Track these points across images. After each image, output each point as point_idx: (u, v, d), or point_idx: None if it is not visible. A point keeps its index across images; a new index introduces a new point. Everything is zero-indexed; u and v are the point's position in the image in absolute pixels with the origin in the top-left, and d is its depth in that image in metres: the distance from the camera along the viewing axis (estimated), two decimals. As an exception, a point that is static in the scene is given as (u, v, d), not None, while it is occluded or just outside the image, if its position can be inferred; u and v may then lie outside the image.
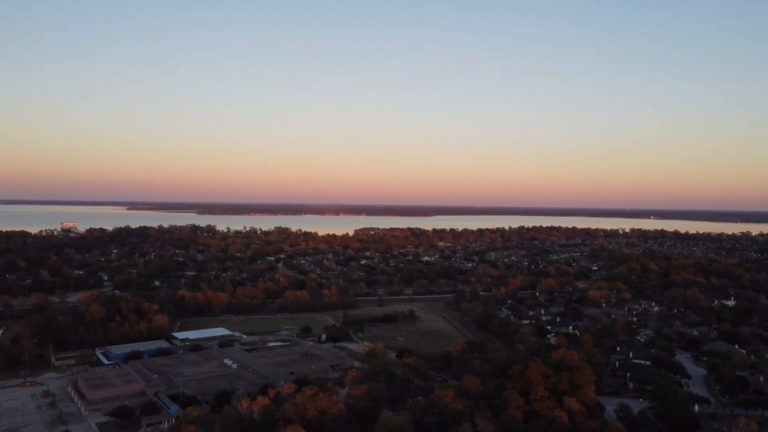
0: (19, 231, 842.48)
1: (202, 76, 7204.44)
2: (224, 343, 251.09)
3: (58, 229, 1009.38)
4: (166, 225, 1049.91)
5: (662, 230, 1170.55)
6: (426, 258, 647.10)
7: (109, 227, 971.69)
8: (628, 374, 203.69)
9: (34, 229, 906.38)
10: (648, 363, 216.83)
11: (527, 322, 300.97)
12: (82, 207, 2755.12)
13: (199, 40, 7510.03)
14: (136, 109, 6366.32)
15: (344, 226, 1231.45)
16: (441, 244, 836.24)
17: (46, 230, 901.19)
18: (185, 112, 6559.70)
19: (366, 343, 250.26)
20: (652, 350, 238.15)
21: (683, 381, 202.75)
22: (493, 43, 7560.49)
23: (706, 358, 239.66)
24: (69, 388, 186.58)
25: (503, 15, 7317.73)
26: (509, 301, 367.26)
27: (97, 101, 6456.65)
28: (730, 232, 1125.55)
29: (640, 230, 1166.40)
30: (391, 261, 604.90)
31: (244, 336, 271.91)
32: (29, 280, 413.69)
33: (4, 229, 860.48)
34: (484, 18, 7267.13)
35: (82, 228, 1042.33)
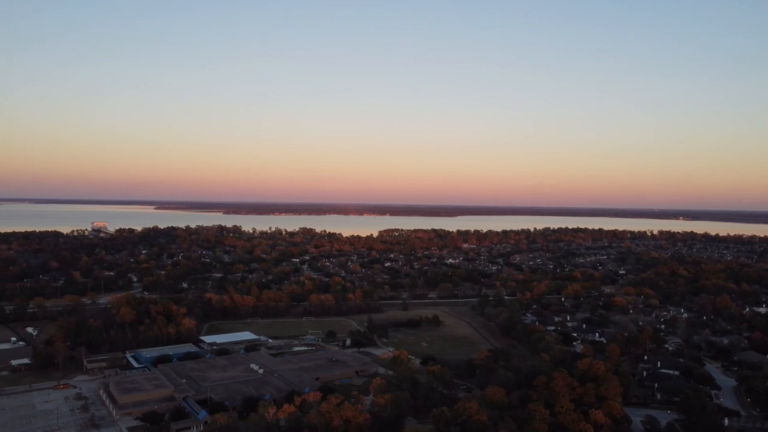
0: (51, 231, 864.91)
1: (231, 77, 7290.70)
2: (250, 347, 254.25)
3: (89, 228, 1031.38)
4: (193, 225, 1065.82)
5: (691, 232, 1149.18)
6: (450, 260, 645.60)
7: (138, 227, 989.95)
8: (656, 385, 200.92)
9: (66, 229, 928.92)
10: (676, 373, 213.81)
11: (552, 328, 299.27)
12: (111, 206, 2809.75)
13: (227, 41, 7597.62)
14: (164, 110, 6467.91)
15: (368, 227, 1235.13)
16: (465, 246, 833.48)
17: (77, 230, 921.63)
18: (212, 112, 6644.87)
19: (390, 349, 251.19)
20: (681, 360, 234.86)
21: (712, 392, 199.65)
22: (517, 44, 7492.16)
23: (736, 369, 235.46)
24: (101, 392, 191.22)
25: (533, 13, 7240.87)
26: (534, 307, 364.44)
27: (127, 102, 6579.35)
28: (762, 234, 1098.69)
29: (668, 232, 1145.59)
30: (415, 263, 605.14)
31: (269, 340, 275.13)
32: (62, 281, 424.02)
33: (38, 229, 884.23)
34: (511, 20, 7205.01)
35: (111, 227, 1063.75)
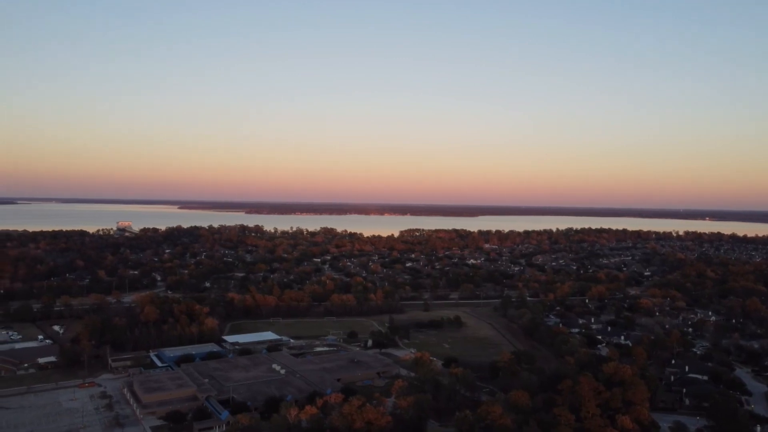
0: (78, 230, 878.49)
1: (251, 76, 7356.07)
2: (272, 347, 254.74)
3: (115, 228, 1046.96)
4: (215, 224, 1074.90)
5: (718, 233, 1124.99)
6: (471, 261, 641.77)
7: (162, 227, 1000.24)
8: (684, 390, 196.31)
9: (92, 228, 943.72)
10: (705, 378, 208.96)
11: (576, 331, 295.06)
12: (136, 206, 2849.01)
13: (252, 40, 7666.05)
14: (188, 111, 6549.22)
15: (389, 227, 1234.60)
16: (486, 246, 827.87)
17: (103, 229, 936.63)
18: (235, 113, 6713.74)
19: (412, 350, 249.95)
20: (709, 364, 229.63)
21: (743, 398, 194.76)
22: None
23: (767, 374, 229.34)
24: (125, 390, 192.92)
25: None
26: (557, 308, 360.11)
27: (151, 103, 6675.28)
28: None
29: (694, 233, 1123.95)
30: (436, 264, 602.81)
31: (291, 340, 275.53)
32: (87, 280, 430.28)
33: (65, 228, 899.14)
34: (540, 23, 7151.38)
35: (136, 227, 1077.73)
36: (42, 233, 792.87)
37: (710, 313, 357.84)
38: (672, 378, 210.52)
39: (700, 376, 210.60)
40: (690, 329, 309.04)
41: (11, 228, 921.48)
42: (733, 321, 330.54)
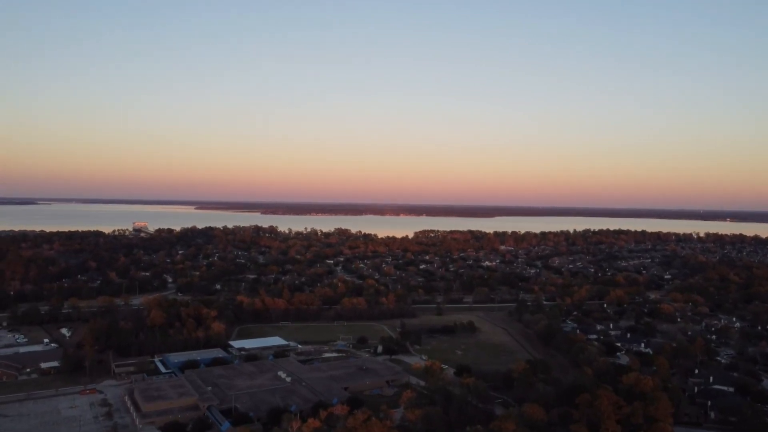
0: (93, 231, 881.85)
1: (263, 77, 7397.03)
2: (279, 353, 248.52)
3: (130, 228, 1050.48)
4: (231, 225, 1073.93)
5: (740, 235, 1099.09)
6: (486, 263, 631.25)
7: (177, 227, 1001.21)
8: (709, 403, 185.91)
9: (108, 228, 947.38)
10: (731, 390, 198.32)
11: (594, 337, 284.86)
12: (154, 206, 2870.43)
13: (274, 40, 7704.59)
14: (204, 111, 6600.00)
15: (404, 227, 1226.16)
16: (502, 248, 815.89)
17: (118, 230, 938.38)
18: (253, 113, 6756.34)
19: (423, 357, 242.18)
20: (735, 374, 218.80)
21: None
22: (565, 47, 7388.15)
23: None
24: (126, 398, 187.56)
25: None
26: (575, 313, 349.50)
27: (168, 104, 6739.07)
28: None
29: (715, 234, 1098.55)
30: (450, 266, 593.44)
31: (299, 346, 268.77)
32: (98, 282, 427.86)
33: (81, 229, 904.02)
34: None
35: (153, 227, 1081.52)
36: (57, 234, 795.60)
37: (734, 319, 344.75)
38: (696, 389, 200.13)
39: (725, 388, 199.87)
40: (713, 336, 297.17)
41: (29, 228, 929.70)
42: (759, 328, 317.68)
